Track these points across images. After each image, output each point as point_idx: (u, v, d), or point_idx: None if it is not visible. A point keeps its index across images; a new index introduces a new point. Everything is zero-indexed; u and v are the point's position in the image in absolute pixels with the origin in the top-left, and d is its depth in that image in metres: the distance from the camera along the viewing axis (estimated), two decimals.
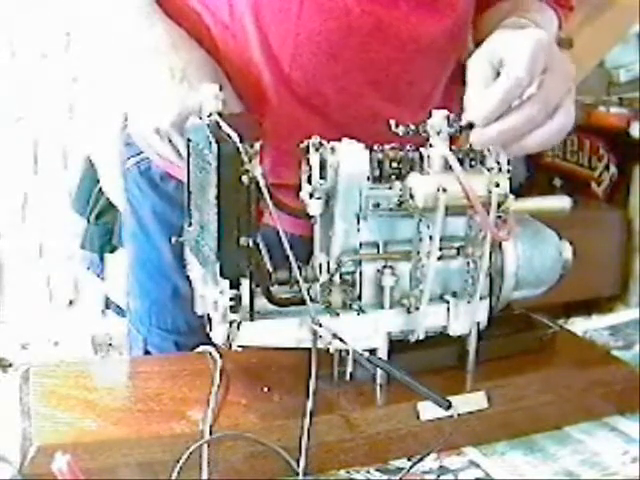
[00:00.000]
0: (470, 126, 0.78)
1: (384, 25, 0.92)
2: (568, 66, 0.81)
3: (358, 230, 0.81)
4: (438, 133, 0.79)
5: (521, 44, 0.78)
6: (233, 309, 0.76)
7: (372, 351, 0.81)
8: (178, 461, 0.72)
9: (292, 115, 0.95)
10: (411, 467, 0.76)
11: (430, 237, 0.80)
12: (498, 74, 0.79)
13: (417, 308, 0.82)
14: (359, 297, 0.82)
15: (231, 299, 0.76)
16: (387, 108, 0.96)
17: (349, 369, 0.83)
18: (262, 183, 0.74)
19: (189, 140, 0.83)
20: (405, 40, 0.94)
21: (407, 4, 0.93)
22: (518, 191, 0.83)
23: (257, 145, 0.74)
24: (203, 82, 0.82)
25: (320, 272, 0.80)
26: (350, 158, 0.78)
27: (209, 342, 0.84)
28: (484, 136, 0.78)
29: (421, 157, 0.80)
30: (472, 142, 0.78)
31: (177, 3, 0.95)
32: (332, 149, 0.78)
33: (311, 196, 0.79)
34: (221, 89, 0.79)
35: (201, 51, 0.92)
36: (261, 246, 0.78)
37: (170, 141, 0.88)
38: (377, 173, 0.80)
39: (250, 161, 0.73)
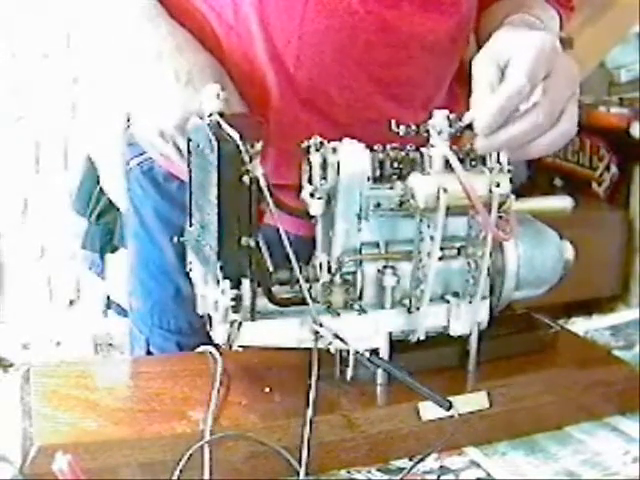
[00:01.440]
0: (471, 126, 0.78)
1: (388, 25, 0.92)
2: (572, 69, 0.81)
3: (359, 230, 0.81)
4: (439, 133, 0.79)
5: (525, 48, 0.78)
6: (234, 309, 0.76)
7: (373, 351, 0.81)
8: (179, 461, 0.72)
9: (296, 116, 0.95)
10: (412, 467, 0.76)
11: (431, 237, 0.80)
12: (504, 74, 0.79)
13: (418, 308, 0.82)
14: (360, 297, 0.82)
15: (232, 299, 0.76)
16: (391, 108, 0.96)
17: (350, 369, 0.83)
18: (263, 183, 0.74)
19: (190, 140, 0.83)
20: (409, 40, 0.94)
21: (411, 5, 0.92)
22: (519, 191, 0.83)
23: (258, 145, 0.74)
24: (207, 84, 0.82)
25: (321, 272, 0.80)
26: (351, 158, 0.78)
27: (210, 342, 0.84)
28: (490, 145, 0.78)
29: (422, 157, 0.80)
30: (477, 151, 0.78)
31: (181, 3, 0.95)
32: (333, 149, 0.78)
33: (312, 196, 0.79)
34: (224, 90, 0.79)
35: (206, 53, 0.92)
36: (262, 246, 0.78)
37: (174, 143, 0.88)
38: (378, 173, 0.80)
39: (251, 161, 0.73)
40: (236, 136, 0.73)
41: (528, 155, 0.80)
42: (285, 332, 0.80)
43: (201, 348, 0.90)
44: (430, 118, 0.80)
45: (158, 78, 0.88)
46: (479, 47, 0.87)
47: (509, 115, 0.77)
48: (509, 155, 0.80)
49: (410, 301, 0.83)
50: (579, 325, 1.12)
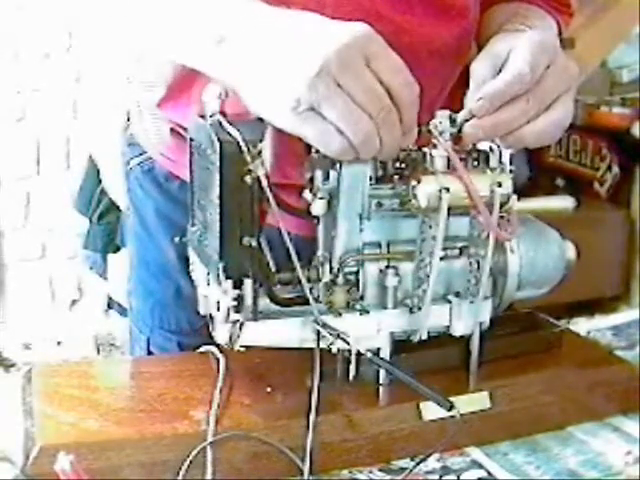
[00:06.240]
0: (469, 119, 0.78)
1: (400, 30, 0.92)
2: (571, 67, 0.81)
3: (361, 230, 0.81)
4: (441, 133, 0.79)
5: (526, 40, 0.78)
6: (236, 309, 0.76)
7: (375, 351, 0.81)
8: (183, 462, 0.72)
9: None
10: (414, 467, 0.76)
11: (433, 237, 0.80)
12: None
13: (420, 308, 0.82)
14: (362, 297, 0.82)
15: (234, 299, 0.76)
16: None
17: (352, 369, 0.83)
18: (265, 183, 0.74)
19: (192, 140, 0.83)
20: (418, 45, 0.94)
21: (423, 10, 0.93)
22: (521, 191, 0.82)
23: (260, 145, 0.74)
24: None
25: (323, 272, 0.80)
26: None
27: (212, 342, 0.84)
28: (476, 128, 0.77)
29: (424, 157, 0.80)
30: (464, 134, 0.78)
31: None
32: None
33: (314, 196, 0.79)
34: None
35: None
36: (264, 246, 0.78)
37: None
38: (380, 173, 0.80)
39: (253, 161, 0.73)
40: (238, 136, 0.73)
41: (521, 142, 0.79)
42: (287, 332, 0.80)
43: (203, 348, 0.90)
44: (432, 119, 0.80)
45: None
46: (479, 50, 0.88)
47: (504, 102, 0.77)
48: (502, 142, 0.80)
49: (412, 301, 0.83)
50: (581, 325, 1.11)
